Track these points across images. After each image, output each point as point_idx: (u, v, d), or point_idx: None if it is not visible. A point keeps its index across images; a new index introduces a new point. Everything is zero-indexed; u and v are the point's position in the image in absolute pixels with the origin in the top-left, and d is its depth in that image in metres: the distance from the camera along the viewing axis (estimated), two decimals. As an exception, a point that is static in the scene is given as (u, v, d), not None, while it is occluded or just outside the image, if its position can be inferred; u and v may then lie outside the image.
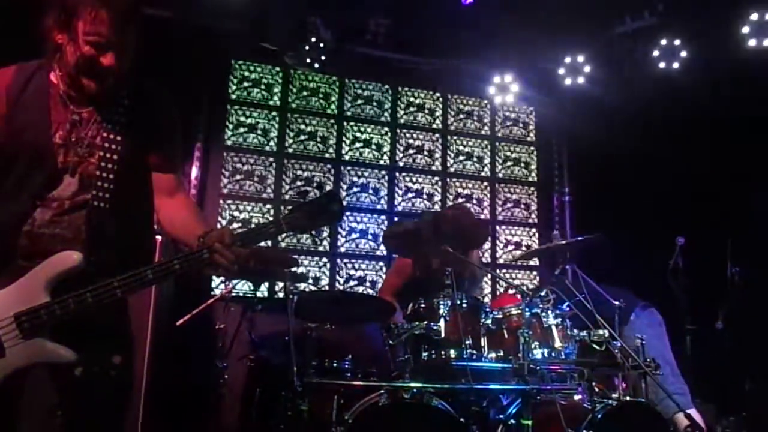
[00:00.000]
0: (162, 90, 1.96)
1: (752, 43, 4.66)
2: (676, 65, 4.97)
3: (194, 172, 4.84)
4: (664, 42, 4.91)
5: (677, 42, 4.90)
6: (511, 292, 5.19)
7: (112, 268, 1.69)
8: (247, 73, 5.25)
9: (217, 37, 4.86)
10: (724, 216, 4.81)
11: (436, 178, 5.61)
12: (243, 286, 4.69)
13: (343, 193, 5.28)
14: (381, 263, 5.23)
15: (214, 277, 4.57)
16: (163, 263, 1.71)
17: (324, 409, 2.73)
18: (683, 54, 4.92)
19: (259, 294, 4.74)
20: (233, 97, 5.18)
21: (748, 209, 4.61)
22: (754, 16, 4.60)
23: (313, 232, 4.93)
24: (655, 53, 4.95)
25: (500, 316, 2.90)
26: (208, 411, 3.66)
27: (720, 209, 4.96)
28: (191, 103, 4.84)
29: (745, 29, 4.66)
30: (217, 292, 4.02)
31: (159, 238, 3.02)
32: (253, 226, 2.18)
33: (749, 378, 4.47)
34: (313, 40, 4.82)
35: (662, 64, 4.99)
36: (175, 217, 1.93)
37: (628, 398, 2.94)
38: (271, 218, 4.93)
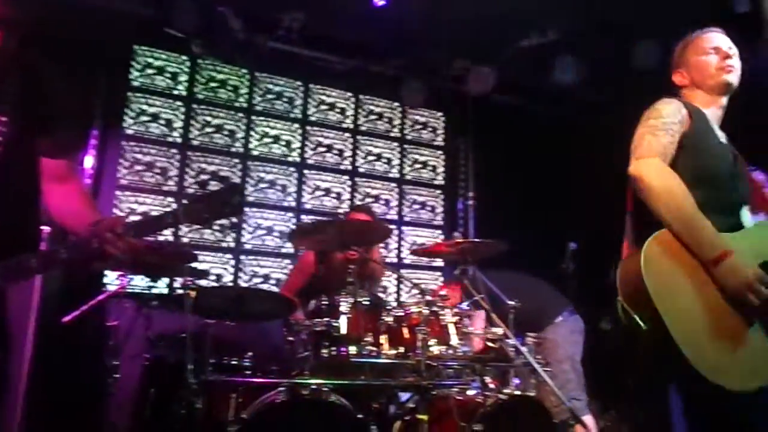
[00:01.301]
0: (57, 71, 1.85)
1: (639, 65, 5.03)
2: (572, 80, 5.29)
3: (90, 160, 4.59)
4: (562, 57, 5.21)
5: (574, 59, 5.22)
6: (414, 291, 5.31)
7: (-9, 257, 1.58)
8: (150, 60, 5.03)
9: (120, 19, 4.62)
10: (614, 221, 5.15)
11: (345, 177, 5.64)
12: (140, 282, 4.49)
13: (251, 189, 5.19)
14: (287, 261, 5.18)
15: (107, 272, 4.35)
16: (49, 251, 1.63)
17: (221, 408, 2.68)
18: (580, 71, 5.25)
19: (156, 290, 4.56)
20: (135, 84, 4.94)
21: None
22: (644, 43, 4.98)
23: (215, 225, 4.83)
24: (554, 67, 5.25)
25: (401, 313, 2.97)
26: (98, 411, 3.49)
27: (610, 215, 5.31)
28: (88, 88, 4.58)
29: (636, 53, 5.03)
30: (111, 287, 3.83)
31: (47, 228, 2.84)
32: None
33: (632, 375, 4.82)
34: (222, 29, 4.70)
35: (560, 78, 5.30)
36: (65, 205, 1.85)
37: (517, 393, 3.08)
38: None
